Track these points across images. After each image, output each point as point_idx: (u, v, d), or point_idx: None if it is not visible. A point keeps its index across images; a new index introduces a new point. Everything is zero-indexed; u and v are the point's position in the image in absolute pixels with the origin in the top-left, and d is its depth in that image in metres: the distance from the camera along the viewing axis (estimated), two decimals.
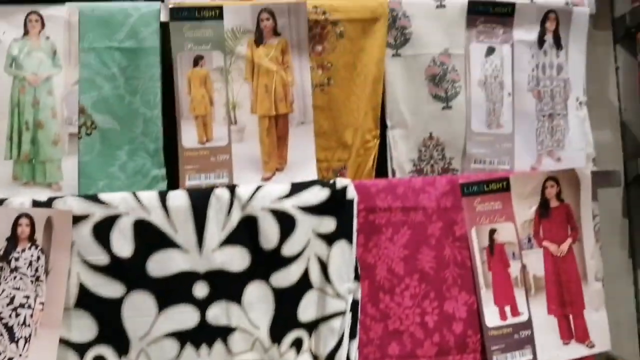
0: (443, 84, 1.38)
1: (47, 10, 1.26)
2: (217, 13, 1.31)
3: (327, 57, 1.35)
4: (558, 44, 1.44)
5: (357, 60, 1.35)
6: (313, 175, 1.31)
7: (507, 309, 1.27)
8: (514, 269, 1.28)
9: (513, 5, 1.41)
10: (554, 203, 1.33)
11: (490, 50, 1.41)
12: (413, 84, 1.38)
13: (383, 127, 1.38)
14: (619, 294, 1.54)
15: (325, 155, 1.34)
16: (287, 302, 1.16)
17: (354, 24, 1.35)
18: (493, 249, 1.28)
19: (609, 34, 1.64)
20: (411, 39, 1.38)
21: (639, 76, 1.57)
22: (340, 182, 1.21)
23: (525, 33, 1.42)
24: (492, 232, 1.29)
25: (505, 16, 1.41)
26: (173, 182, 1.28)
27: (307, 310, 1.17)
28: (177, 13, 1.29)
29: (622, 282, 1.57)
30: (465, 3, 1.39)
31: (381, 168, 1.38)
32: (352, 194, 1.20)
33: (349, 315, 1.16)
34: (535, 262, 1.30)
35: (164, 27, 1.30)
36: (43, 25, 1.26)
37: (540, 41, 1.43)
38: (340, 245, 1.18)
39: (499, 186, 1.31)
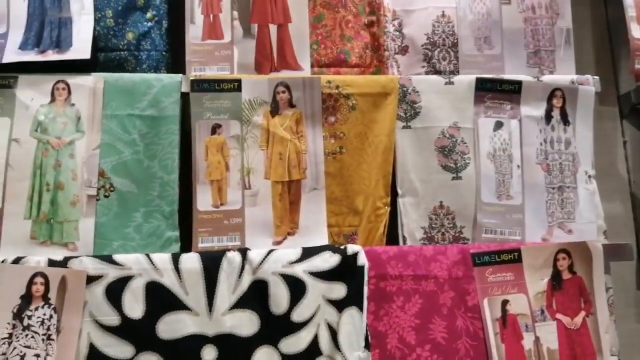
0: (452, 155, 1.42)
1: (74, 79, 1.33)
2: (235, 85, 1.37)
3: (340, 128, 1.39)
4: (565, 120, 1.48)
5: (369, 131, 1.40)
6: (324, 240, 1.32)
7: None
8: (527, 342, 1.26)
9: (520, 83, 1.46)
10: (566, 275, 1.32)
11: (499, 125, 1.45)
12: (423, 154, 1.41)
13: (394, 195, 1.40)
14: None
15: (337, 220, 1.36)
16: None
17: (365, 98, 1.41)
18: (506, 320, 1.26)
19: (615, 110, 1.69)
20: (421, 113, 1.43)
21: None
22: (351, 248, 1.22)
23: (532, 109, 1.47)
24: (505, 303, 1.27)
25: (512, 93, 1.46)
26: (186, 244, 1.30)
27: None
28: (198, 85, 1.36)
29: (638, 356, 1.52)
30: (473, 80, 1.45)
31: (392, 235, 1.39)
32: (362, 260, 1.20)
33: None
34: (548, 335, 1.27)
35: (184, 96, 1.36)
36: (69, 92, 1.32)
37: (548, 117, 1.47)
38: (351, 313, 1.17)
39: (511, 257, 1.31)
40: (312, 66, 1.47)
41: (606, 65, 1.71)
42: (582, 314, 1.30)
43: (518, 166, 1.44)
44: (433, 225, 1.39)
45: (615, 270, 1.43)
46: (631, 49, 1.56)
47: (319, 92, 1.39)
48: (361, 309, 1.17)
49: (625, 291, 1.55)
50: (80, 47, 1.34)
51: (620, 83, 1.70)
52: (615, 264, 1.40)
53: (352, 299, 1.18)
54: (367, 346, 1.17)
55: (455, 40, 1.53)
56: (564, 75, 1.53)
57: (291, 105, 1.39)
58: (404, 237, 1.38)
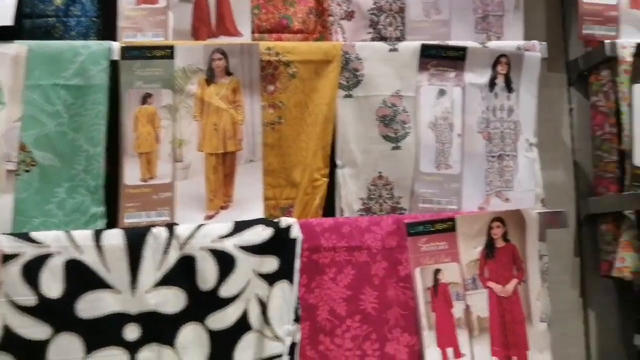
0: (393, 124, 1.40)
1: None
2: (168, 52, 1.33)
3: (279, 97, 1.36)
4: (509, 87, 1.47)
5: (309, 100, 1.37)
6: (260, 214, 1.31)
7: (450, 351, 1.25)
8: (458, 310, 1.27)
9: (465, 49, 1.44)
10: (499, 243, 1.33)
11: (442, 93, 1.43)
12: (364, 124, 1.39)
13: (333, 166, 1.38)
14: (569, 333, 1.55)
15: (274, 193, 1.34)
16: (223, 344, 1.14)
17: (306, 65, 1.37)
18: (437, 289, 1.28)
19: (563, 77, 1.68)
20: (363, 81, 1.40)
21: (592, 117, 1.60)
22: (285, 221, 1.20)
23: (476, 76, 1.45)
24: (437, 272, 1.28)
25: (457, 60, 1.44)
26: (113, 220, 1.27)
27: (244, 353, 1.14)
28: (128, 52, 1.31)
29: (572, 321, 1.57)
30: (418, 47, 1.42)
31: (332, 208, 1.38)
32: (296, 233, 1.19)
33: (286, 359, 1.13)
34: (479, 303, 1.29)
35: (114, 65, 1.30)
36: None
37: (492, 84, 1.46)
38: (281, 286, 1.16)
39: (445, 226, 1.31)
40: (252, 32, 1.43)
41: (556, 31, 1.69)
42: (514, 281, 1.32)
43: (459, 135, 1.42)
44: (371, 196, 1.38)
45: (555, 236, 1.45)
46: (579, 14, 1.54)
47: (257, 60, 1.35)
48: (292, 281, 1.17)
49: (564, 258, 1.58)
50: (3, 13, 1.27)
51: (571, 49, 1.69)
52: (555, 231, 1.42)
53: (284, 273, 1.17)
54: (297, 319, 1.17)
55: (403, 5, 1.50)
56: (511, 41, 1.50)
57: (228, 73, 1.35)
58: (341, 209, 1.37)
